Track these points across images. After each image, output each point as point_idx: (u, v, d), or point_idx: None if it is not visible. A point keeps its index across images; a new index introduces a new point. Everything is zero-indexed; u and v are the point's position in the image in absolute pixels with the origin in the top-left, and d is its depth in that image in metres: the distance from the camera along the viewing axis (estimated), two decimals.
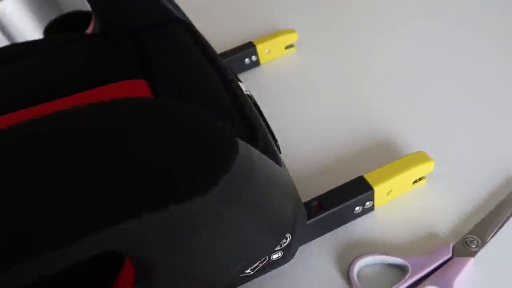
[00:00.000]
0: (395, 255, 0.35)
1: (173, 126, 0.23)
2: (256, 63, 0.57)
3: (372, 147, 0.44)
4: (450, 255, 0.34)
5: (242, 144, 0.26)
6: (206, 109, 0.27)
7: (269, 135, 0.37)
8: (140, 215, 0.20)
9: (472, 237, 0.35)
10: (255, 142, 0.33)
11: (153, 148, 0.22)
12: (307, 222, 0.36)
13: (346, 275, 0.35)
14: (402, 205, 0.39)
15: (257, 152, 0.29)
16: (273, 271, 0.36)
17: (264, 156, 0.30)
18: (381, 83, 0.51)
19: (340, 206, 0.37)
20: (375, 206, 0.39)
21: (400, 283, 0.33)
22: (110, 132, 0.22)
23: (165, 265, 0.24)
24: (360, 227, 0.38)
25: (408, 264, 0.34)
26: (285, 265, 0.36)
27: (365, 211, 0.39)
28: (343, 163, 0.43)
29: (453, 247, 0.35)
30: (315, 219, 0.36)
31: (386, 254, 0.35)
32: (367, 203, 0.38)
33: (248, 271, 0.34)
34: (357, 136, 0.45)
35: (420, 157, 0.39)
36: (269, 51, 0.57)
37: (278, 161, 0.34)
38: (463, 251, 0.34)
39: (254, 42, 0.56)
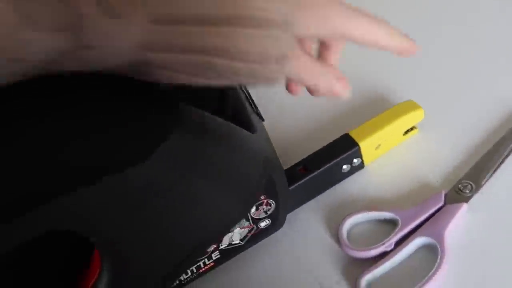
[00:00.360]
0: (386, 210, 0.34)
1: (107, 97, 0.23)
2: None
3: (361, 103, 0.42)
4: (442, 203, 0.32)
5: (191, 112, 0.25)
6: None
7: (243, 102, 0.36)
8: (75, 189, 0.20)
9: (466, 182, 0.33)
10: (222, 111, 0.33)
11: (85, 120, 0.22)
12: (293, 187, 0.35)
13: (337, 235, 0.34)
14: (394, 158, 0.38)
15: (219, 120, 0.29)
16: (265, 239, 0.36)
17: (229, 124, 0.30)
18: None
19: (325, 167, 0.36)
20: (365, 163, 0.37)
21: (390, 237, 0.32)
22: (40, 105, 0.22)
23: (122, 243, 0.24)
24: (351, 186, 0.37)
25: (397, 218, 0.33)
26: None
27: (355, 169, 0.37)
28: (331, 124, 0.42)
29: (446, 194, 0.33)
30: (300, 183, 0.35)
31: (376, 210, 0.34)
32: (355, 160, 0.37)
33: (237, 241, 0.34)
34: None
35: (408, 106, 0.37)
36: None
37: (250, 128, 0.33)
38: (456, 197, 0.33)
39: None
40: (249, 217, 0.33)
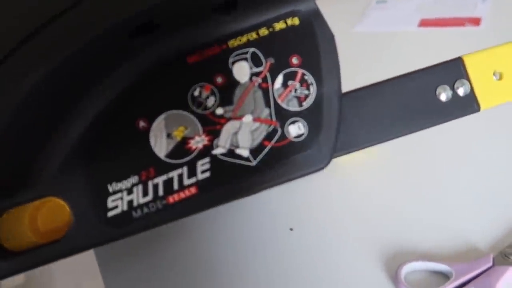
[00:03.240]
0: (440, 261, 0.38)
1: None
2: None
3: None
4: (490, 264, 0.38)
5: None
6: None
7: None
8: None
9: (511, 250, 0.38)
10: None
11: None
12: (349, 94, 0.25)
13: (394, 277, 0.38)
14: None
15: None
16: None
17: None
18: None
19: (403, 78, 0.25)
20: (481, 103, 0.27)
21: (445, 284, 0.36)
22: None
23: None
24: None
25: (452, 270, 0.37)
26: (331, 270, 0.40)
27: (462, 104, 0.27)
28: None
29: (493, 258, 0.38)
30: (361, 94, 0.26)
31: (433, 261, 0.39)
32: (458, 85, 0.27)
33: (245, 151, 0.23)
34: None
35: None
36: None
37: None
38: (503, 261, 0.38)
39: None
40: (272, 98, 0.21)
